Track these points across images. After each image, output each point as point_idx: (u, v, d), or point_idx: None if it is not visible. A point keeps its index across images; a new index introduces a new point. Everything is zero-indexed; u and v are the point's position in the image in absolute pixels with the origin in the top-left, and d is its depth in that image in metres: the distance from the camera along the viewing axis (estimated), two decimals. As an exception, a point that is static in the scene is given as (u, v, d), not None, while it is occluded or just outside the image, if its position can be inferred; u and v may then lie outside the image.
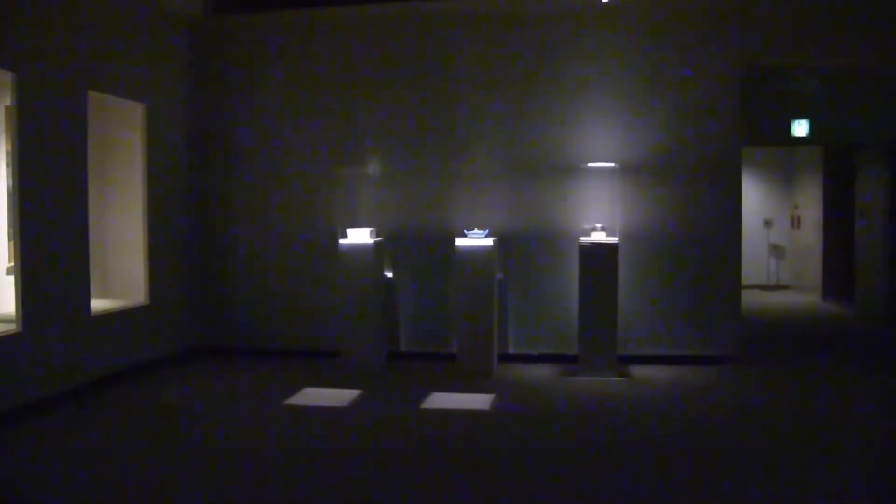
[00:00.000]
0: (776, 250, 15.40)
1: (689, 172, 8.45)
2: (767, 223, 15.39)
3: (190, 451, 5.77)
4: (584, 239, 8.10)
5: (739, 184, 8.55)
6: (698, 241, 8.47)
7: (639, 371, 8.19)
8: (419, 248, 8.77)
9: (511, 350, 8.67)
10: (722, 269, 8.50)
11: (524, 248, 8.62)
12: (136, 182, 8.42)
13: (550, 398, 7.20)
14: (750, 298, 13.73)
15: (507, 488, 4.99)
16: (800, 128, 11.11)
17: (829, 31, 8.51)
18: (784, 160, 15.47)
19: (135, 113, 8.36)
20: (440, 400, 7.12)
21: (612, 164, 8.36)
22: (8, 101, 6.78)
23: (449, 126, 8.67)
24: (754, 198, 15.38)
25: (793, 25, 8.49)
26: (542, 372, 8.20)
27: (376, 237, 8.55)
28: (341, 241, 8.39)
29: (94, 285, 7.86)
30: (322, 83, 8.91)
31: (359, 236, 8.40)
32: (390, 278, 8.79)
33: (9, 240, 7.26)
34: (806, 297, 14.07)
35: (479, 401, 7.07)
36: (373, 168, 8.77)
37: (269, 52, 9.04)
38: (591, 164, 8.38)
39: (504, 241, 8.59)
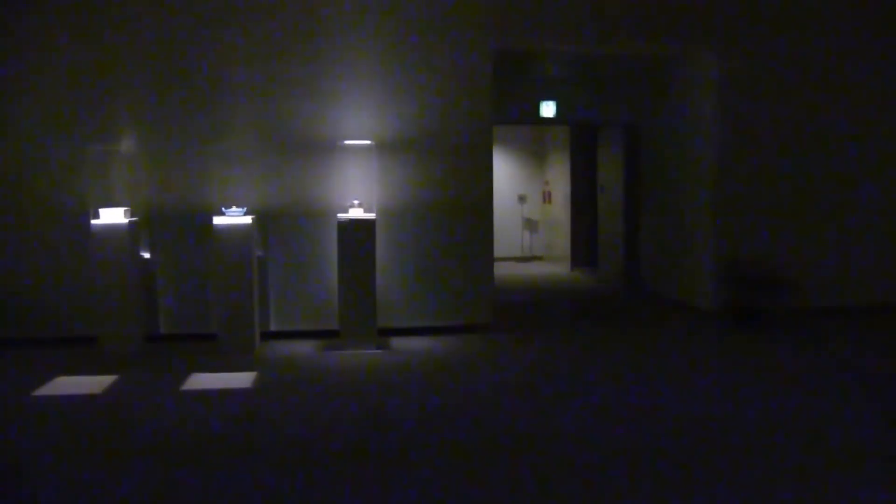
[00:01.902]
0: (529, 224, 16.31)
1: (444, 150, 8.81)
2: (521, 198, 16.26)
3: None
4: (341, 215, 8.26)
5: (491, 161, 9.01)
6: (453, 215, 8.86)
7: (398, 342, 8.48)
8: (177, 227, 8.57)
9: (273, 327, 8.71)
10: (476, 243, 8.95)
11: (284, 226, 8.66)
12: None
13: (311, 372, 7.32)
14: (505, 270, 14.51)
15: (267, 463, 5.06)
16: (547, 109, 11.86)
17: (574, 18, 9.13)
18: (536, 139, 16.38)
19: None
20: (201, 381, 7.04)
21: (368, 142, 8.56)
22: None
23: (206, 103, 8.51)
24: (509, 175, 16.21)
25: (539, 12, 9.03)
26: (304, 348, 8.30)
27: (131, 217, 8.29)
28: (93, 221, 8.07)
29: None
30: (74, 58, 8.44)
31: (112, 216, 8.10)
32: (147, 259, 8.55)
33: None
34: (556, 266, 15.03)
35: (240, 379, 7.07)
36: (127, 146, 8.46)
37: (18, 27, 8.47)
38: (348, 142, 8.54)
39: (264, 218, 8.59)
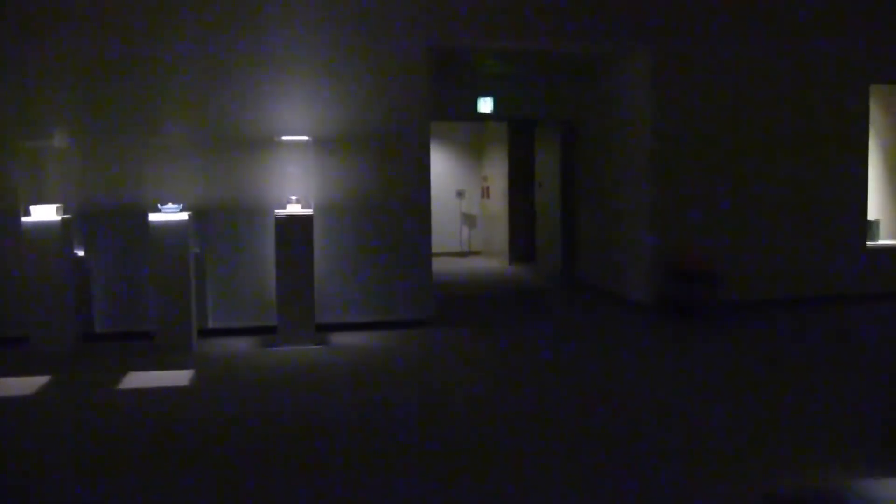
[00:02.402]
0: (468, 219, 16.43)
1: (382, 146, 8.85)
2: (460, 194, 16.36)
3: None
4: (279, 211, 8.25)
5: (428, 156, 9.07)
6: (392, 211, 8.91)
7: (337, 338, 8.50)
8: (111, 225, 8.46)
9: (211, 325, 8.66)
10: (414, 238, 9.01)
11: (222, 222, 8.62)
12: None
13: (248, 370, 7.30)
14: (444, 265, 14.60)
15: (203, 461, 5.06)
16: (485, 105, 11.97)
17: (509, 16, 9.22)
18: (475, 135, 16.49)
19: None
20: (138, 379, 6.98)
21: (305, 138, 8.56)
22: None
23: (141, 98, 8.42)
24: (448, 170, 16.30)
25: (475, 9, 9.11)
26: (242, 345, 8.27)
27: (64, 214, 8.16)
28: (24, 219, 7.93)
29: None
30: (3, 52, 8.28)
31: (44, 213, 7.97)
32: (81, 256, 8.43)
33: None
34: (495, 261, 15.17)
35: (177, 377, 7.02)
36: (59, 141, 8.31)
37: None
38: (285, 138, 8.52)
39: (200, 215, 8.53)
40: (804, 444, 5.29)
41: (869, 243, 10.87)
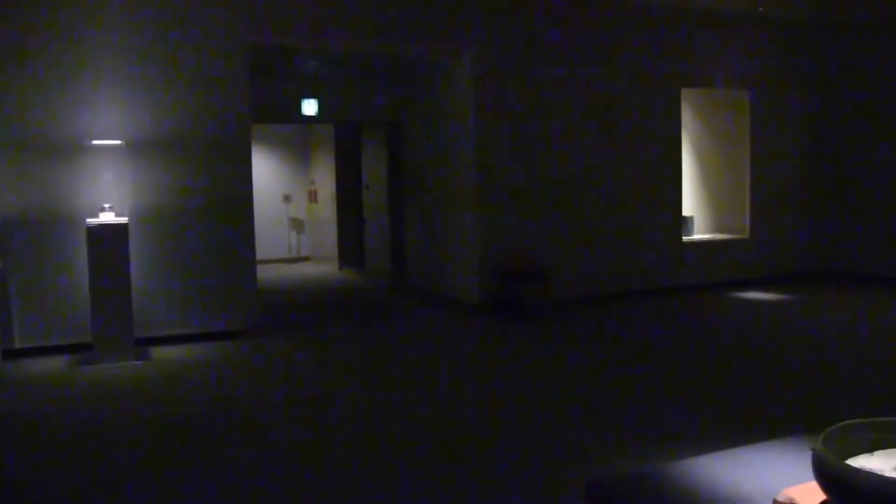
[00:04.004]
0: (296, 224, 16.14)
1: (201, 150, 8.50)
2: (287, 198, 16.05)
3: None
4: (91, 220, 7.76)
5: (250, 160, 8.79)
6: (212, 217, 8.57)
7: (159, 352, 8.09)
8: None
9: (18, 345, 8.02)
10: (238, 244, 8.70)
11: (27, 233, 8.00)
12: None
13: (62, 389, 6.83)
14: (273, 272, 14.27)
15: (11, 486, 4.67)
16: (309, 107, 11.75)
17: (331, 16, 9.07)
18: (301, 137, 16.22)
19: None
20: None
21: (118, 142, 8.09)
22: None
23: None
24: (273, 174, 15.95)
25: (297, 8, 8.91)
26: (54, 364, 7.72)
27: None
28: None
29: None
30: None
31: None
32: None
33: None
34: (324, 266, 14.96)
35: (-22, 402, 6.49)
36: None
37: None
38: (96, 142, 8.03)
39: (2, 226, 7.90)
40: (626, 430, 5.46)
41: (684, 238, 11.42)
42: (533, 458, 5.03)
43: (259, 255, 9.94)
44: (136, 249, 8.22)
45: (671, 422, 5.70)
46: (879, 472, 1.50)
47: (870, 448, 1.69)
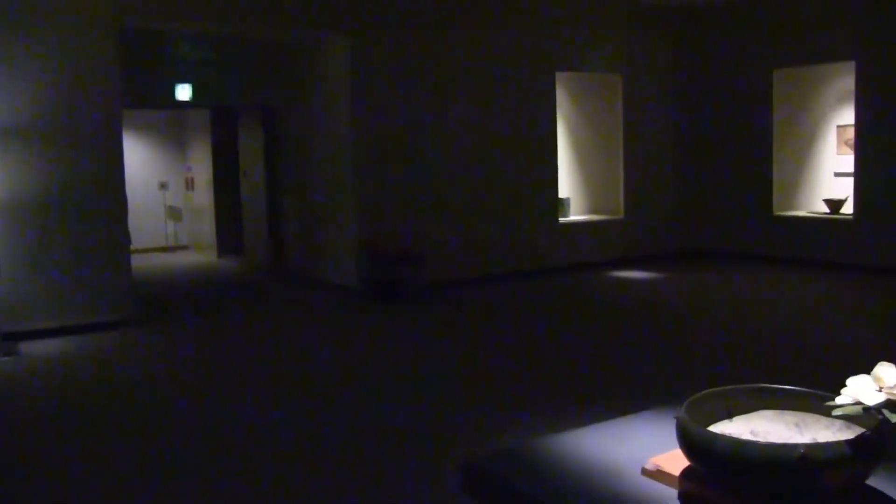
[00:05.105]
0: (173, 212, 15.70)
1: (70, 137, 8.14)
2: (163, 186, 15.59)
3: None
4: (-50, 212, 7.37)
5: (121, 146, 8.50)
6: (83, 206, 8.24)
7: (30, 347, 7.75)
8: None
9: None
10: (109, 234, 8.42)
11: None
12: None
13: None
14: (150, 261, 13.87)
15: None
16: (183, 92, 11.43)
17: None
18: (176, 123, 15.76)
19: None
20: None
21: (-22, 129, 7.70)
22: None
23: None
24: (148, 161, 15.45)
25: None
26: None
27: None
28: None
29: None
30: None
31: None
32: None
33: None
34: (203, 255, 14.63)
35: None
36: None
37: None
38: (-47, 129, 7.63)
39: None
40: (499, 410, 5.57)
41: (561, 219, 11.67)
42: (408, 440, 5.07)
43: (135, 245, 9.64)
44: (4, 240, 7.84)
45: (543, 399, 5.82)
46: (737, 436, 1.58)
47: (729, 414, 1.78)
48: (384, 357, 7.26)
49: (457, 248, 10.58)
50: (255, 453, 4.91)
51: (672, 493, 1.68)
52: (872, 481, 1.58)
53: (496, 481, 1.85)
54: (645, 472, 1.75)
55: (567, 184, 12.33)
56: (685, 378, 6.24)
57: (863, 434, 1.51)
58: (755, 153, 11.96)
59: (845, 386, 1.58)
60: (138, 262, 9.88)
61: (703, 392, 1.77)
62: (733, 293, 10.03)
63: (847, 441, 1.49)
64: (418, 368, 6.83)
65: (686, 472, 1.67)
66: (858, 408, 1.54)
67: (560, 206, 11.72)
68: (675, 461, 1.70)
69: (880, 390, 1.53)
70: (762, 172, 11.87)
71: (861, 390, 1.54)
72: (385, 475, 4.52)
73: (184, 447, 5.06)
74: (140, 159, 15.04)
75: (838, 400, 1.58)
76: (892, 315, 8.55)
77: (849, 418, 1.63)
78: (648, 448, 1.85)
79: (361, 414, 5.63)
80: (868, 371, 1.58)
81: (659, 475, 1.72)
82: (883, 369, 1.55)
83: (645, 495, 1.69)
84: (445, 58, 10.39)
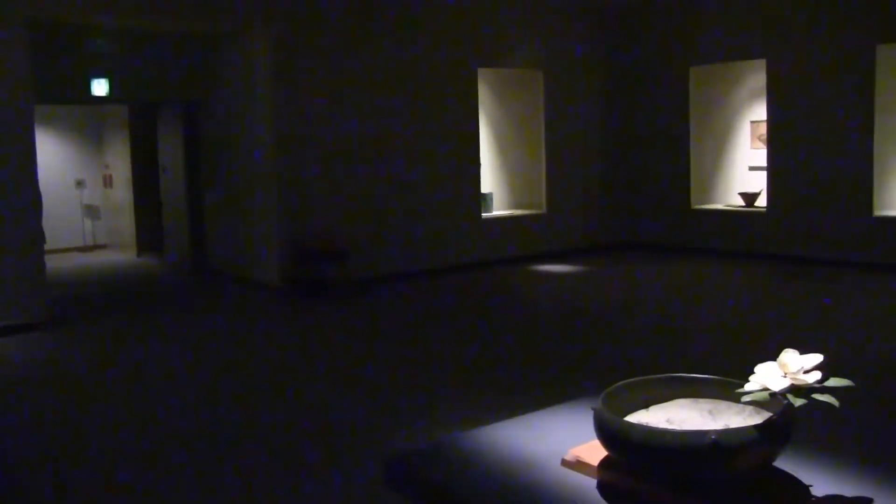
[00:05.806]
0: (90, 210, 15.29)
1: (-22, 133, 7.90)
2: (79, 183, 15.16)
3: None
4: None
5: (32, 144, 8.24)
6: (-6, 206, 8.00)
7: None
8: None
9: None
10: (21, 233, 8.16)
11: None
12: None
13: None
14: (65, 261, 13.50)
15: None
16: (99, 87, 11.13)
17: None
18: (93, 119, 15.34)
19: None
20: None
21: None
22: None
23: None
24: (64, 158, 15.00)
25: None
26: None
27: None
28: None
29: None
30: None
31: None
32: None
33: None
34: (123, 254, 14.30)
35: None
36: None
37: None
38: None
39: None
40: (418, 406, 5.62)
41: (484, 214, 11.73)
42: (328, 437, 5.06)
43: (50, 245, 9.38)
44: None
45: (464, 393, 5.86)
46: (652, 425, 1.62)
47: (645, 404, 1.82)
48: (307, 354, 7.23)
49: (380, 244, 10.55)
50: (165, 456, 4.85)
51: (591, 482, 1.71)
52: (779, 462, 1.64)
53: (418, 476, 1.86)
54: (565, 463, 1.79)
55: (489, 179, 12.40)
56: (604, 369, 6.35)
57: (770, 418, 1.57)
58: (674, 148, 12.22)
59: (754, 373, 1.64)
60: (53, 263, 9.57)
61: (619, 383, 1.81)
62: (653, 285, 10.25)
63: (755, 426, 1.54)
64: (341, 365, 6.81)
65: (604, 462, 1.71)
66: (766, 393, 1.59)
67: (482, 201, 11.77)
68: (594, 452, 1.74)
69: (785, 376, 1.59)
70: (681, 167, 12.15)
71: (768, 376, 1.60)
72: (304, 474, 4.49)
73: (80, 449, 4.96)
74: (55, 156, 14.58)
75: (747, 387, 1.64)
76: (802, 302, 8.85)
77: (758, 404, 1.69)
78: (568, 439, 1.88)
79: (285, 411, 5.60)
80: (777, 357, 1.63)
81: (578, 466, 1.75)
82: (787, 356, 1.61)
83: (565, 486, 1.72)
84: (367, 53, 10.34)
